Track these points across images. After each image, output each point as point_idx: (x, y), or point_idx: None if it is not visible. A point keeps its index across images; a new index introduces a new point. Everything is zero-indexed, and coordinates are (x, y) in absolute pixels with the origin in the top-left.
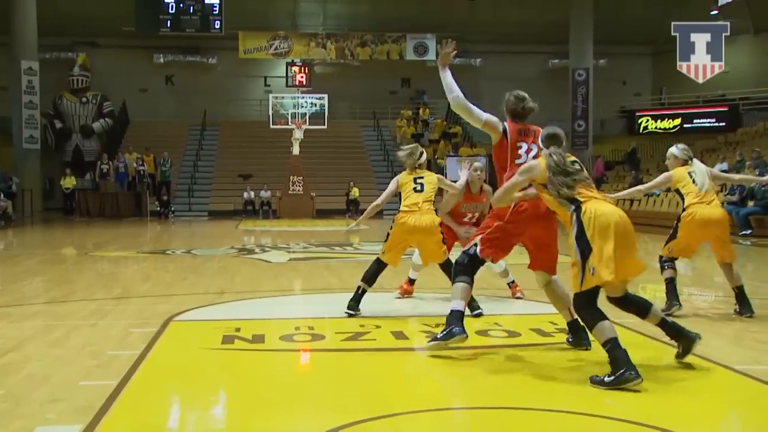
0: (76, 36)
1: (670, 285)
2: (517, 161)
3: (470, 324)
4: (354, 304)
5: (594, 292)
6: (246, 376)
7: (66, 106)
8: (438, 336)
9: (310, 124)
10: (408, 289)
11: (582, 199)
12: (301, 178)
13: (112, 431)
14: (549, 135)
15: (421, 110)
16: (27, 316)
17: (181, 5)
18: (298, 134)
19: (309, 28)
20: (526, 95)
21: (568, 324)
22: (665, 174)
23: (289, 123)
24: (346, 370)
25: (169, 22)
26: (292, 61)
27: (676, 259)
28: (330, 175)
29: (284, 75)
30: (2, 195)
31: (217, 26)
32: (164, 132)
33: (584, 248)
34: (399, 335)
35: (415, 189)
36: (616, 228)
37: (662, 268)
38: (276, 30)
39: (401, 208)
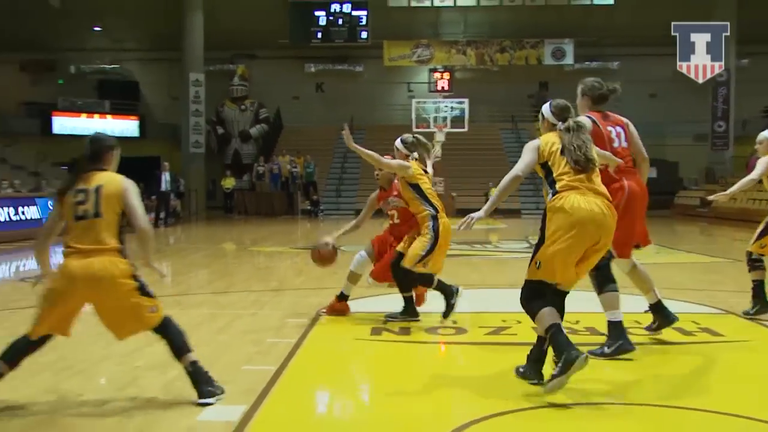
0: (236, 49)
1: (759, 287)
2: (614, 145)
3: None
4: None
5: (539, 284)
6: (393, 366)
7: (227, 114)
8: (605, 350)
9: (451, 128)
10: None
11: (559, 189)
12: (442, 178)
13: (272, 412)
14: (563, 107)
15: None
16: (194, 304)
17: (331, 18)
18: (440, 137)
19: (450, 36)
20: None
21: (650, 306)
22: (764, 159)
23: (431, 126)
24: (488, 363)
25: (319, 33)
26: (434, 67)
27: (763, 257)
28: (470, 176)
29: (427, 81)
30: (173, 195)
31: (364, 36)
32: (315, 136)
33: (540, 240)
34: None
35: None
36: (582, 226)
37: (750, 267)
38: (419, 38)
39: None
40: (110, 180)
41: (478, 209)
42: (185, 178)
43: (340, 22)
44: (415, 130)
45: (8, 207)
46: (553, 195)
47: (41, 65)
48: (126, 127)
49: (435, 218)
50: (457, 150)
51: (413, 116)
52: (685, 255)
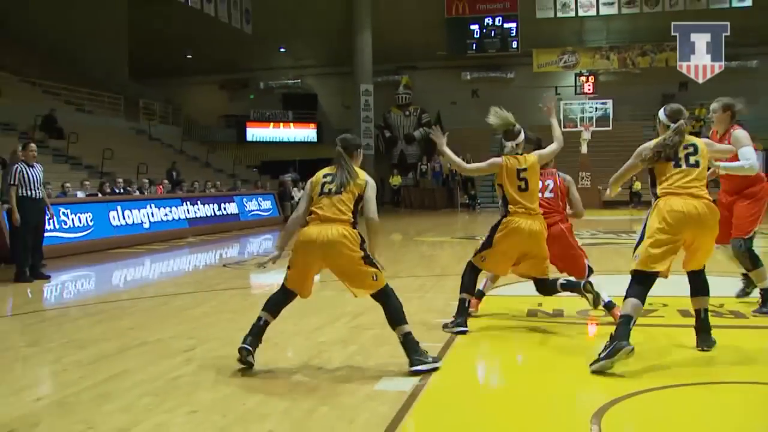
0: (400, 62)
1: None
2: None
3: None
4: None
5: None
6: (545, 344)
7: (393, 119)
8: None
9: (596, 126)
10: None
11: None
12: (589, 173)
13: (441, 384)
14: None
15: (697, 110)
16: None
17: (484, 30)
18: (586, 135)
19: (594, 43)
20: None
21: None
22: None
23: (578, 126)
24: (636, 343)
25: (474, 45)
26: (580, 72)
27: None
28: (614, 171)
29: (573, 84)
30: None
31: (515, 46)
32: (471, 137)
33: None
34: (685, 313)
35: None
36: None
37: None
38: (565, 46)
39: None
40: (357, 173)
41: (624, 202)
42: None
43: (493, 33)
44: (563, 129)
45: (212, 204)
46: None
47: (236, 83)
48: (306, 133)
49: (500, 219)
50: (603, 147)
51: (561, 117)
52: None
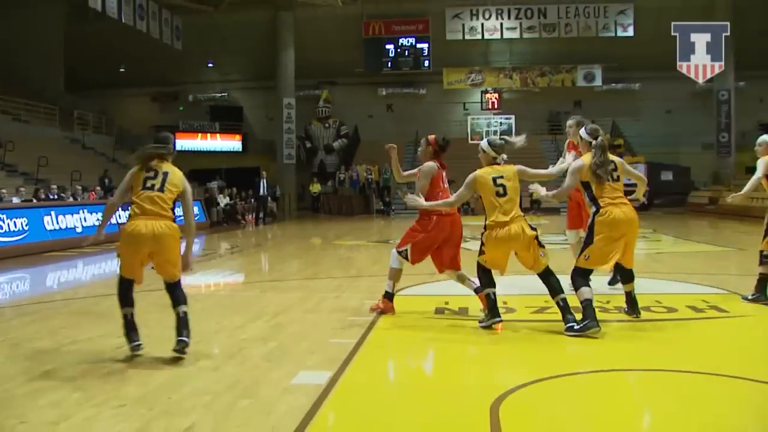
0: (320, 77)
1: (763, 281)
2: None
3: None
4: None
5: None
6: (453, 339)
7: (313, 131)
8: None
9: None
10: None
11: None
12: None
13: (354, 377)
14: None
15: None
16: (289, 288)
17: (399, 50)
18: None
19: (498, 63)
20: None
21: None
22: (762, 159)
23: (483, 138)
24: (532, 337)
25: (389, 63)
26: (486, 89)
27: None
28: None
29: (479, 101)
30: (270, 198)
31: (427, 65)
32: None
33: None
34: (576, 310)
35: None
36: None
37: (761, 262)
38: (472, 66)
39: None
40: None
41: (527, 208)
42: (280, 184)
43: (407, 53)
44: (470, 142)
45: None
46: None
47: (167, 96)
48: (232, 143)
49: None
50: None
51: (468, 130)
52: (696, 245)
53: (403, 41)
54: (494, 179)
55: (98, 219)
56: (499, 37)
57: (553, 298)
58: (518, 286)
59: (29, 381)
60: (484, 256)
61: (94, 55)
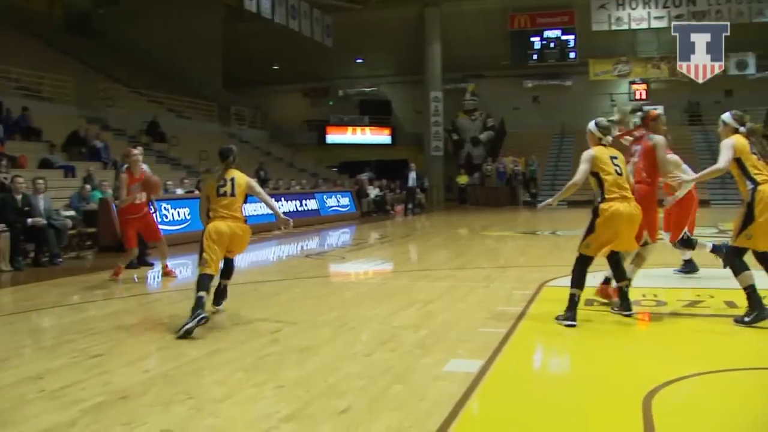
0: (467, 71)
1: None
2: None
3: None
4: (571, 315)
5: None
6: (603, 331)
7: (460, 123)
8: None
9: None
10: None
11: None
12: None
13: (505, 366)
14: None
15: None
16: (439, 278)
17: (544, 42)
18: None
19: (646, 53)
20: None
21: None
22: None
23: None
24: (684, 332)
25: (535, 55)
26: (633, 80)
27: None
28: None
29: (626, 92)
30: (419, 190)
31: (572, 56)
32: (532, 140)
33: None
34: (730, 304)
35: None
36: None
37: None
38: (619, 56)
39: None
40: None
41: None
42: (428, 176)
43: (552, 45)
44: (616, 134)
45: (296, 200)
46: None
47: (318, 91)
48: (381, 136)
49: (597, 205)
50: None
51: None
52: None
53: (548, 33)
54: (611, 158)
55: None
56: (646, 26)
57: (619, 282)
58: (669, 279)
59: (195, 360)
60: (590, 237)
61: (249, 54)
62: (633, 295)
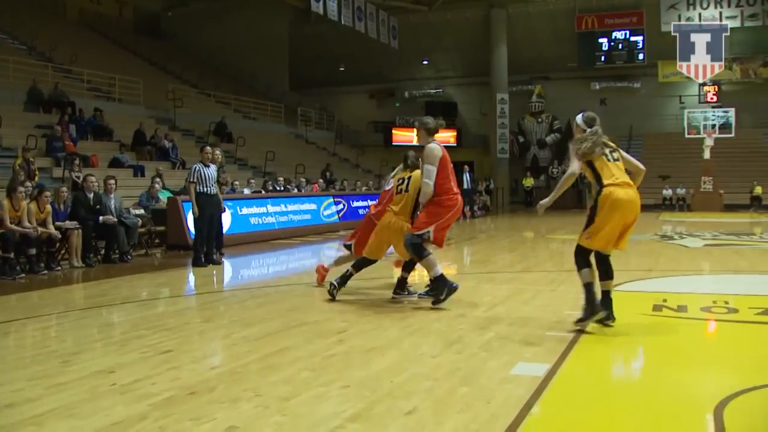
0: (533, 72)
1: None
2: None
3: None
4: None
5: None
6: (672, 337)
7: (527, 125)
8: None
9: (719, 133)
10: None
11: None
12: (711, 177)
13: (572, 371)
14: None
15: None
16: (504, 281)
17: (612, 44)
18: (709, 142)
19: None
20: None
21: None
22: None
23: (701, 133)
24: (757, 340)
25: (603, 57)
26: (704, 81)
27: None
28: (735, 175)
29: (697, 93)
30: (483, 192)
31: (641, 58)
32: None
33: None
34: None
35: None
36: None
37: None
38: None
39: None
40: None
41: (748, 205)
42: (494, 178)
43: (621, 46)
44: (686, 136)
45: (363, 200)
46: None
47: (384, 93)
48: (446, 137)
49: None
50: (725, 153)
51: (685, 124)
52: None
53: (616, 34)
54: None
55: (318, 211)
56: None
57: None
58: (741, 285)
59: (261, 359)
60: (591, 228)
61: (315, 55)
62: (703, 301)
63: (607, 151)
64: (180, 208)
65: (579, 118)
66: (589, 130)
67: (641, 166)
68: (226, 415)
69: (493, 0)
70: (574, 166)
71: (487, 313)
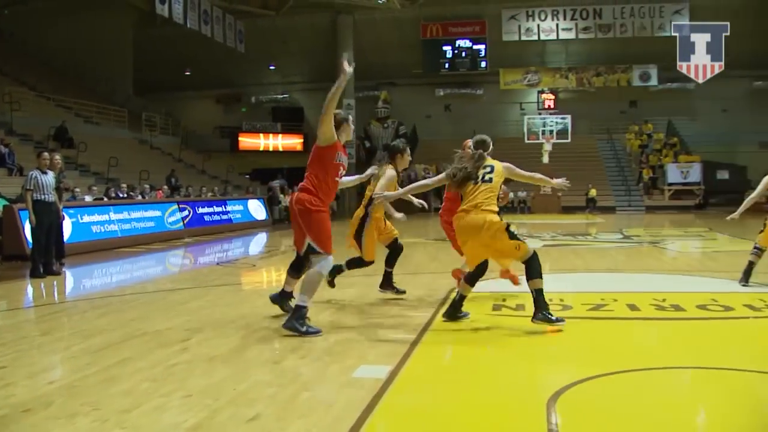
0: (379, 79)
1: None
2: None
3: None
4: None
5: None
6: (510, 336)
7: (373, 131)
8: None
9: (556, 139)
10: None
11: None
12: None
13: (414, 371)
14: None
15: (643, 126)
16: (349, 284)
17: (456, 51)
18: (547, 147)
19: (554, 64)
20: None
21: None
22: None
23: (540, 138)
24: (589, 335)
25: (447, 64)
26: (542, 89)
27: None
28: (572, 179)
29: (536, 101)
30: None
31: (483, 66)
32: (444, 148)
33: None
34: (633, 307)
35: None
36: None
37: None
38: (528, 66)
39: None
40: None
41: (582, 206)
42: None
43: (464, 54)
44: (526, 141)
45: (209, 207)
46: None
47: (230, 98)
48: (293, 143)
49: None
50: (562, 157)
51: (525, 130)
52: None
53: (460, 43)
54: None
55: (162, 218)
56: (555, 37)
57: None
58: (575, 283)
59: (101, 371)
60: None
61: (161, 59)
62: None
63: (480, 173)
64: (17, 217)
65: (470, 140)
66: (472, 152)
67: (535, 176)
68: (62, 431)
69: (340, 6)
70: (434, 180)
71: (331, 318)
